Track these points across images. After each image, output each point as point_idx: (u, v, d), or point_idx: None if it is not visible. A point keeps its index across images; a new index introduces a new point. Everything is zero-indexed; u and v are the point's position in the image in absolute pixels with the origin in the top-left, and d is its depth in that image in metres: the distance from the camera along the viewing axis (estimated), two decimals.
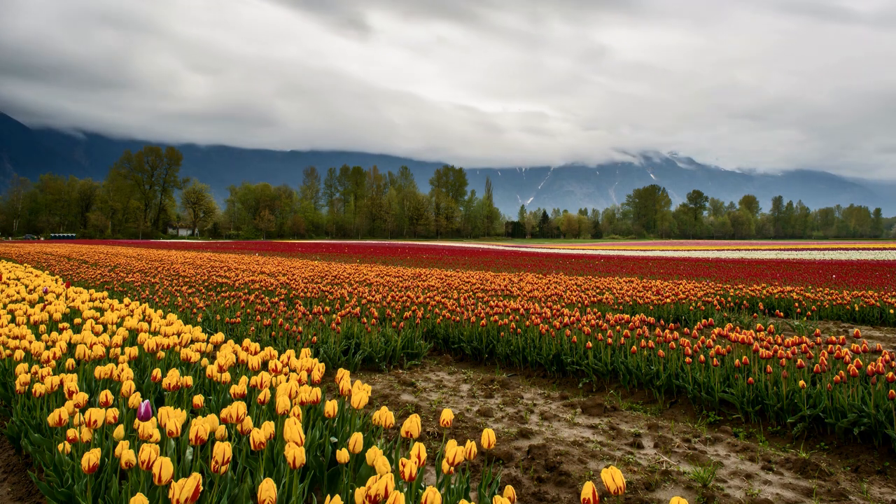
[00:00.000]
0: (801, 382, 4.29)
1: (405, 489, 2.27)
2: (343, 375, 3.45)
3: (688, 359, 5.04)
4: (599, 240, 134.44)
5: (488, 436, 2.53)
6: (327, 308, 7.76)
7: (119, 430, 2.79)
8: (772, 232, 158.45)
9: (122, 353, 4.23)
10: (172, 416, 2.65)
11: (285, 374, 3.76)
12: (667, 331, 5.65)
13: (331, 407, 2.97)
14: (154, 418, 2.64)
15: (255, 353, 4.18)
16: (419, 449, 2.25)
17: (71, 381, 3.33)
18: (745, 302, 10.93)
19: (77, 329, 5.69)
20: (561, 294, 9.85)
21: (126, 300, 6.98)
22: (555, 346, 6.09)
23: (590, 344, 5.63)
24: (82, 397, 3.09)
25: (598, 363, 5.67)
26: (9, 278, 11.25)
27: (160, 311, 6.13)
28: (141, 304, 6.67)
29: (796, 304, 10.24)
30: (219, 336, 4.65)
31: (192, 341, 4.62)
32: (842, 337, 5.20)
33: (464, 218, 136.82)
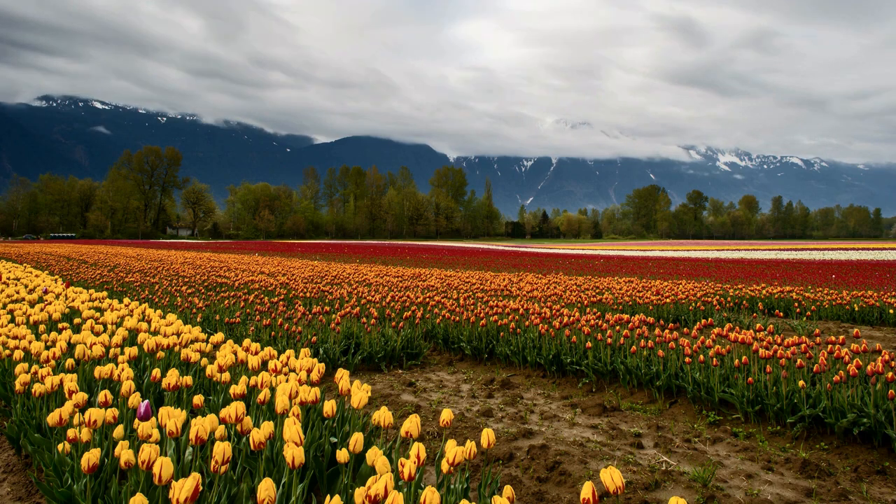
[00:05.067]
0: (801, 382, 4.29)
1: (405, 489, 2.27)
2: (342, 375, 3.45)
3: (687, 359, 5.04)
4: (599, 240, 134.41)
5: (488, 436, 2.53)
6: (327, 308, 7.76)
7: (119, 430, 2.79)
8: (772, 232, 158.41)
9: (122, 353, 4.23)
10: (172, 416, 2.65)
11: (285, 374, 3.76)
12: (666, 331, 5.65)
13: (330, 407, 2.97)
14: (154, 418, 2.64)
15: (255, 353, 4.18)
16: (418, 449, 2.25)
17: (70, 381, 3.33)
18: (744, 302, 10.93)
19: (77, 329, 5.69)
20: (560, 294, 9.85)
21: (126, 300, 6.98)
22: (554, 346, 6.09)
23: (589, 344, 5.63)
24: (82, 397, 3.09)
25: (597, 363, 5.67)
26: (8, 278, 11.25)
27: (160, 311, 6.13)
28: (140, 304, 6.67)
29: (796, 304, 10.24)
30: (218, 336, 4.65)
31: (192, 341, 4.62)
32: (841, 337, 5.20)
33: (464, 218, 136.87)
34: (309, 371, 3.65)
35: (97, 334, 5.01)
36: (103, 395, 2.98)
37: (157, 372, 3.62)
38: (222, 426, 2.71)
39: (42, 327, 5.35)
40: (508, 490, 2.15)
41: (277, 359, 4.02)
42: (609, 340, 5.79)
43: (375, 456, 2.37)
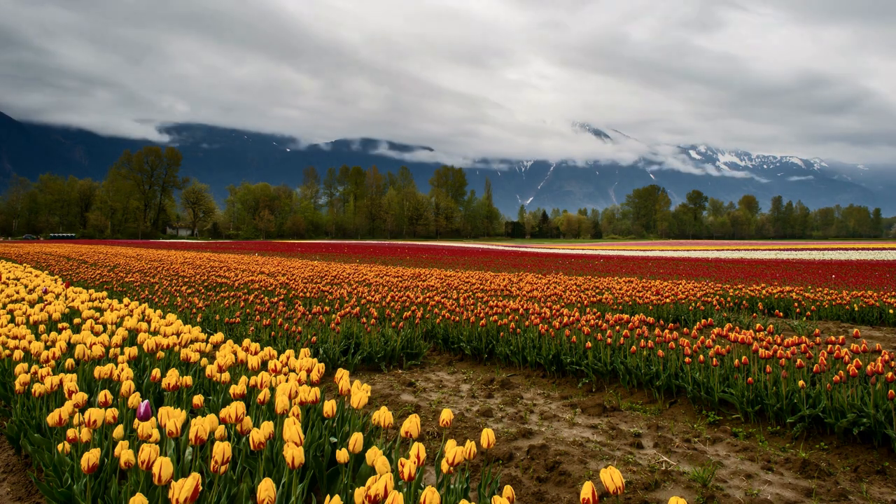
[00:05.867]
0: (801, 382, 4.29)
1: (405, 489, 2.27)
2: (342, 375, 3.45)
3: (687, 359, 5.04)
4: (599, 240, 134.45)
5: (487, 436, 2.53)
6: (327, 308, 7.76)
7: (118, 430, 2.79)
8: (771, 232, 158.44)
9: (122, 353, 4.23)
10: (172, 416, 2.65)
11: (285, 374, 3.76)
12: (666, 331, 5.65)
13: (330, 407, 2.97)
14: (154, 418, 2.64)
15: (255, 353, 4.18)
16: (418, 449, 2.25)
17: (70, 381, 3.33)
18: (744, 302, 10.93)
19: (76, 329, 5.69)
20: (560, 294, 9.85)
21: (125, 300, 6.98)
22: (554, 346, 6.09)
23: (589, 344, 5.63)
24: (82, 397, 3.09)
25: (597, 363, 5.67)
26: (8, 278, 11.24)
27: (159, 311, 6.13)
28: (140, 304, 6.67)
29: (796, 304, 10.24)
30: (218, 336, 4.65)
31: (192, 341, 4.62)
32: (841, 337, 5.20)
33: (463, 218, 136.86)
34: (309, 371, 3.65)
35: (97, 334, 5.01)
36: (103, 395, 2.98)
37: (156, 372, 3.62)
38: (222, 426, 2.71)
39: (42, 327, 5.35)
40: (508, 490, 2.15)
41: (277, 359, 4.02)
42: (609, 340, 5.79)
43: (375, 456, 2.37)
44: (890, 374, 3.96)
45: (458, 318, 7.34)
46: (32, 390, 3.42)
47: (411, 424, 2.59)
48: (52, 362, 4.04)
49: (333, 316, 6.93)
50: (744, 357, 4.78)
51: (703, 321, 6.26)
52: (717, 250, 46.76)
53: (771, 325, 6.25)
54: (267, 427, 2.60)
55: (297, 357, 4.14)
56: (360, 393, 3.00)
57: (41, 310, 6.21)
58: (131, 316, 5.93)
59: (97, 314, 5.98)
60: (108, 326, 5.37)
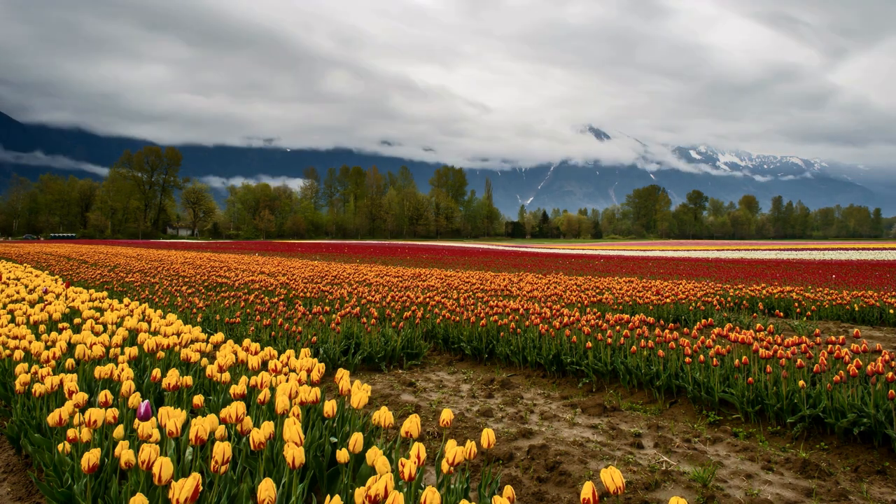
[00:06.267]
0: (801, 382, 4.29)
1: (405, 489, 2.27)
2: (342, 375, 3.45)
3: (687, 359, 5.04)
4: (599, 240, 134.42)
5: (488, 436, 2.53)
6: (327, 308, 7.76)
7: (119, 430, 2.79)
8: (772, 232, 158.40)
9: (122, 353, 4.23)
10: (172, 416, 2.65)
11: (285, 374, 3.76)
12: (666, 331, 5.65)
13: (330, 407, 2.97)
14: (154, 418, 2.64)
15: (255, 353, 4.18)
16: (419, 449, 2.25)
17: (71, 381, 3.33)
18: (744, 302, 10.93)
19: (77, 329, 5.69)
20: (561, 294, 9.85)
21: (126, 300, 6.98)
22: (554, 346, 6.09)
23: (590, 344, 5.63)
24: (82, 397, 3.09)
25: (597, 363, 5.67)
26: (9, 278, 11.25)
27: (160, 311, 6.13)
28: (140, 304, 6.67)
29: (796, 304, 10.23)
30: (218, 336, 4.65)
31: (192, 341, 4.62)
32: (842, 337, 5.20)
33: (464, 218, 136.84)
34: (309, 371, 3.65)
35: (97, 334, 5.01)
36: (103, 395, 2.98)
37: (157, 372, 3.62)
38: (222, 426, 2.71)
39: (42, 327, 5.35)
40: (508, 490, 2.15)
41: (277, 359, 4.02)
42: (609, 340, 5.79)
43: (375, 456, 2.37)
44: (890, 374, 3.96)
45: (458, 318, 7.34)
46: (33, 390, 3.42)
47: (411, 424, 2.59)
48: (53, 362, 4.04)
49: (334, 316, 6.93)
50: (744, 357, 4.78)
51: (703, 321, 6.27)
52: (718, 250, 46.75)
53: (771, 325, 6.24)
54: (267, 427, 2.60)
55: (297, 357, 4.14)
56: (360, 393, 3.00)
57: (41, 310, 6.21)
58: (132, 316, 5.93)
59: (97, 314, 5.98)
60: (109, 326, 5.37)
